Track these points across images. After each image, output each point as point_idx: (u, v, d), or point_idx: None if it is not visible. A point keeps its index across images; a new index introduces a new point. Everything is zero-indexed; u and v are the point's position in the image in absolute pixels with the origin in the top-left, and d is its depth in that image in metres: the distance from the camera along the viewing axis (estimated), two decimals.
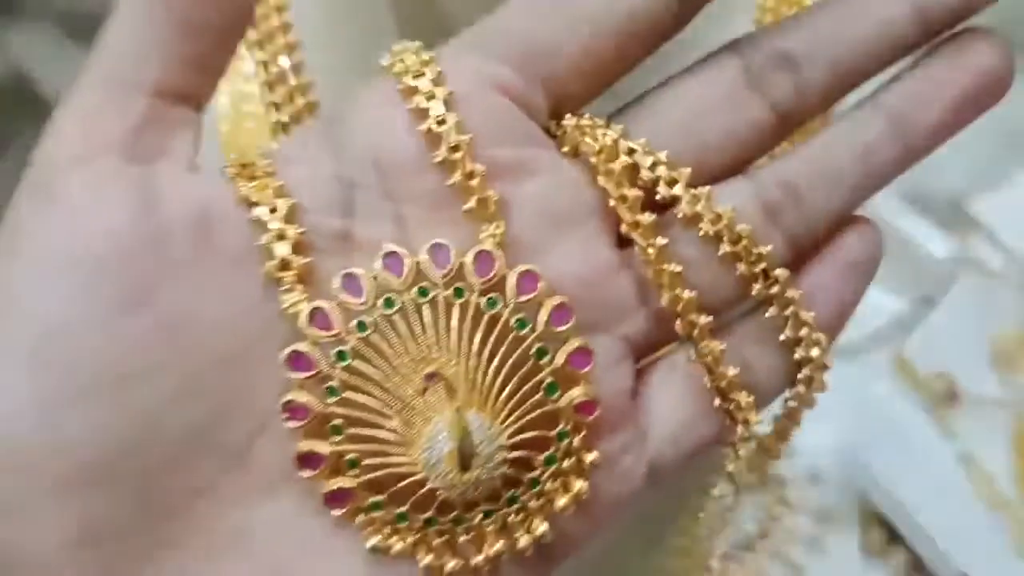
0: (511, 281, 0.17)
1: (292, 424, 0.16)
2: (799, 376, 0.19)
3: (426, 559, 0.17)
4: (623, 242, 0.18)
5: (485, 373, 0.17)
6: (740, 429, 0.18)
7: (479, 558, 0.17)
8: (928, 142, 0.19)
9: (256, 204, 0.17)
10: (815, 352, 0.18)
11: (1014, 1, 0.56)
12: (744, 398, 0.18)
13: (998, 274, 0.54)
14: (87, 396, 0.15)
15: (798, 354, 0.19)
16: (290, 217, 0.17)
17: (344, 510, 0.17)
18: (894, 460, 0.44)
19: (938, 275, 0.52)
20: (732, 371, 0.18)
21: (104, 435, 0.15)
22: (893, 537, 0.44)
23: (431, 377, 0.16)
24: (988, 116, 0.66)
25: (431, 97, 0.17)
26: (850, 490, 0.45)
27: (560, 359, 0.17)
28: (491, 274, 0.17)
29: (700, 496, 0.27)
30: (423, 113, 0.17)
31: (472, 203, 0.17)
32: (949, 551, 0.42)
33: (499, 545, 0.17)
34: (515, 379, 0.17)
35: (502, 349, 0.17)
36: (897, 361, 0.50)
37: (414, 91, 0.17)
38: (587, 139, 0.18)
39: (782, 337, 0.18)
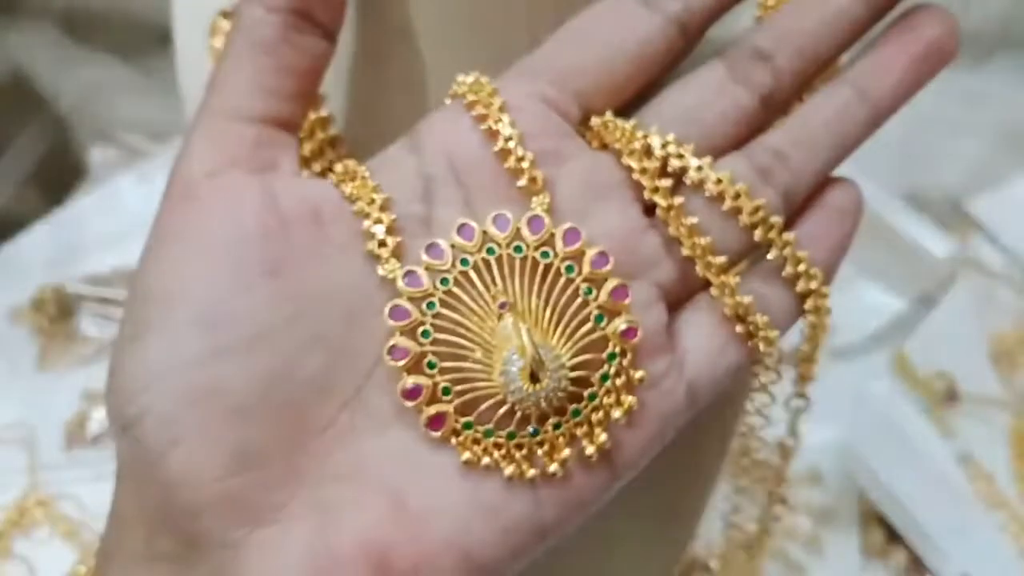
0: (558, 236, 0.21)
1: (396, 363, 0.20)
2: (806, 306, 0.22)
3: (509, 469, 0.20)
4: (649, 213, 0.22)
5: (544, 309, 0.21)
6: (762, 346, 0.22)
7: (553, 465, 0.20)
8: (891, 102, 0.22)
9: (358, 199, 0.21)
10: (814, 284, 0.22)
11: (1014, 1, 0.57)
12: (761, 319, 0.21)
13: (997, 274, 0.54)
14: (239, 347, 0.19)
15: (800, 287, 0.22)
16: (384, 207, 0.21)
17: (442, 431, 0.20)
18: (894, 459, 0.44)
19: (938, 275, 0.52)
20: (747, 299, 0.21)
21: (253, 376, 0.19)
22: (893, 537, 0.44)
23: (503, 306, 0.20)
24: (988, 117, 0.66)
25: (489, 106, 0.21)
26: (850, 490, 0.46)
27: (604, 295, 0.21)
28: (542, 232, 0.21)
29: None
30: (483, 118, 0.21)
31: (523, 181, 0.21)
32: (949, 550, 0.42)
33: (567, 452, 0.20)
34: (568, 313, 0.21)
35: (556, 290, 0.21)
36: (897, 360, 0.50)
37: (475, 103, 0.21)
38: (609, 129, 0.22)
39: (784, 274, 0.22)
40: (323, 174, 0.25)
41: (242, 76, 0.21)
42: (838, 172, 0.23)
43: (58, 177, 0.63)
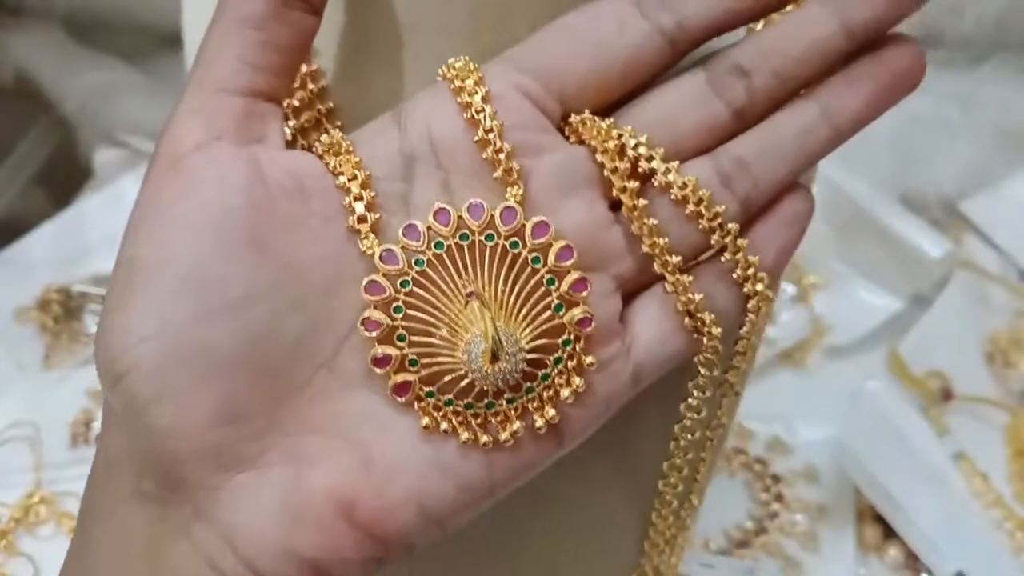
0: (528, 228, 0.22)
1: (369, 334, 0.22)
2: (750, 306, 0.24)
3: (464, 434, 0.22)
4: (615, 207, 0.23)
5: (509, 296, 0.22)
6: (706, 341, 0.23)
7: (505, 434, 0.22)
8: (853, 125, 0.23)
9: (341, 174, 0.22)
10: (760, 287, 0.23)
11: (1011, 2, 0.57)
12: (708, 316, 0.23)
13: (992, 274, 0.54)
14: (223, 309, 0.21)
15: (747, 288, 0.23)
16: (366, 183, 0.22)
17: (406, 398, 0.22)
18: (889, 458, 0.44)
19: (933, 275, 0.52)
20: (698, 296, 0.23)
21: (235, 338, 0.21)
22: (889, 533, 0.44)
23: (470, 295, 0.22)
24: (982, 119, 0.66)
25: (473, 94, 0.22)
26: (846, 487, 0.46)
27: (565, 286, 0.22)
28: (513, 223, 0.22)
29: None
30: (467, 105, 0.22)
31: (499, 172, 0.22)
32: (944, 548, 0.42)
33: (518, 424, 0.22)
34: (531, 300, 0.22)
35: (522, 278, 0.22)
36: (892, 359, 0.50)
37: (461, 90, 0.22)
38: (587, 126, 0.23)
39: (735, 275, 0.23)
40: (309, 133, 0.26)
41: (229, 50, 0.22)
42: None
43: (63, 178, 0.64)
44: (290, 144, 0.26)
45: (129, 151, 0.63)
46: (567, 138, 0.23)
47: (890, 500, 0.43)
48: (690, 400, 0.25)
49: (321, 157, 0.23)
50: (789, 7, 0.23)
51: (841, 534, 0.45)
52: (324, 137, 0.23)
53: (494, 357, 0.21)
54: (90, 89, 0.64)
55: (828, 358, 0.52)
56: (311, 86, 0.26)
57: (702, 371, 0.24)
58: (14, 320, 0.53)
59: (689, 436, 0.26)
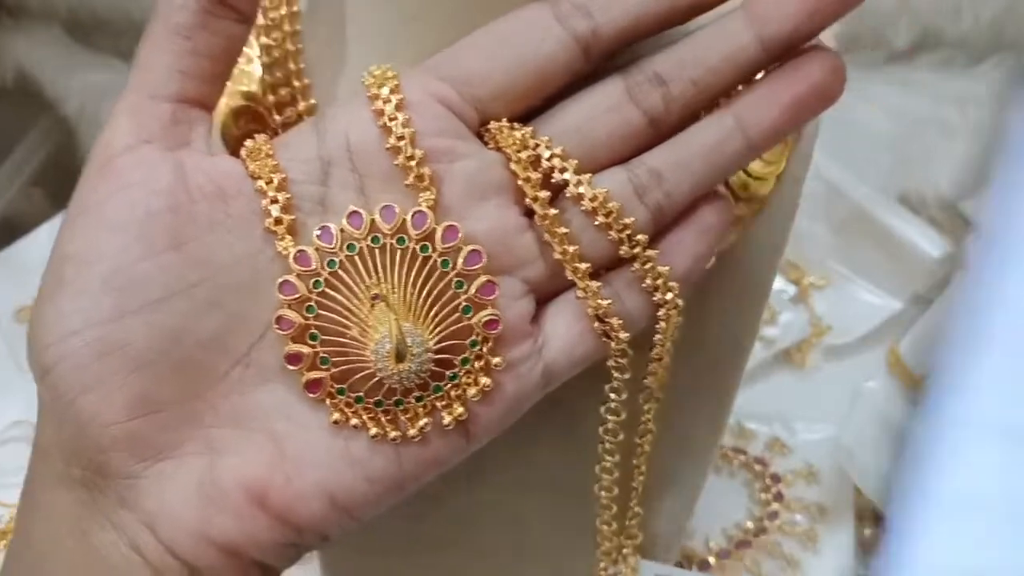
0: (438, 232, 0.23)
1: (282, 332, 0.23)
2: (659, 314, 0.25)
3: (373, 430, 0.23)
4: (528, 215, 0.24)
5: (418, 298, 0.23)
6: (614, 344, 0.24)
7: (413, 430, 0.23)
8: (767, 139, 0.23)
9: (259, 178, 0.23)
10: (669, 296, 0.24)
11: (1009, 2, 0.57)
12: (616, 321, 0.24)
13: None
14: (144, 307, 0.22)
15: (657, 297, 0.24)
16: (282, 186, 0.23)
17: (318, 394, 0.23)
18: (888, 457, 0.45)
19: (932, 275, 0.53)
20: (606, 302, 0.24)
21: (155, 334, 0.22)
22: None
23: (375, 297, 0.23)
24: (981, 119, 0.66)
25: (387, 102, 0.23)
26: (845, 486, 0.46)
27: (473, 289, 0.23)
28: (424, 228, 0.23)
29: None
30: (381, 112, 0.23)
31: (411, 178, 0.23)
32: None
33: (425, 420, 0.23)
34: (440, 303, 0.23)
35: (431, 281, 0.23)
36: (891, 359, 0.50)
37: (377, 97, 0.23)
38: (503, 134, 0.24)
39: (644, 284, 0.24)
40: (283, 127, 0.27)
41: (161, 58, 0.23)
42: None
43: (63, 178, 0.63)
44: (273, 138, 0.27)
45: None
46: (487, 144, 0.24)
47: (888, 499, 0.43)
48: (609, 404, 0.26)
49: (244, 161, 0.23)
50: (704, 15, 0.23)
51: (841, 534, 0.45)
52: (248, 142, 0.24)
53: (400, 357, 0.22)
54: (90, 89, 0.64)
55: (827, 358, 0.52)
56: (295, 82, 0.27)
57: (614, 374, 0.25)
58: (14, 320, 0.54)
59: (612, 439, 0.27)
